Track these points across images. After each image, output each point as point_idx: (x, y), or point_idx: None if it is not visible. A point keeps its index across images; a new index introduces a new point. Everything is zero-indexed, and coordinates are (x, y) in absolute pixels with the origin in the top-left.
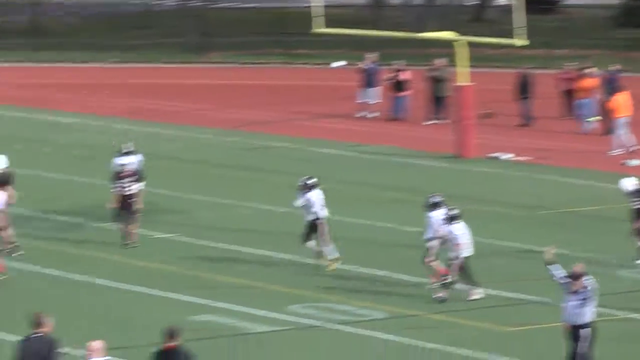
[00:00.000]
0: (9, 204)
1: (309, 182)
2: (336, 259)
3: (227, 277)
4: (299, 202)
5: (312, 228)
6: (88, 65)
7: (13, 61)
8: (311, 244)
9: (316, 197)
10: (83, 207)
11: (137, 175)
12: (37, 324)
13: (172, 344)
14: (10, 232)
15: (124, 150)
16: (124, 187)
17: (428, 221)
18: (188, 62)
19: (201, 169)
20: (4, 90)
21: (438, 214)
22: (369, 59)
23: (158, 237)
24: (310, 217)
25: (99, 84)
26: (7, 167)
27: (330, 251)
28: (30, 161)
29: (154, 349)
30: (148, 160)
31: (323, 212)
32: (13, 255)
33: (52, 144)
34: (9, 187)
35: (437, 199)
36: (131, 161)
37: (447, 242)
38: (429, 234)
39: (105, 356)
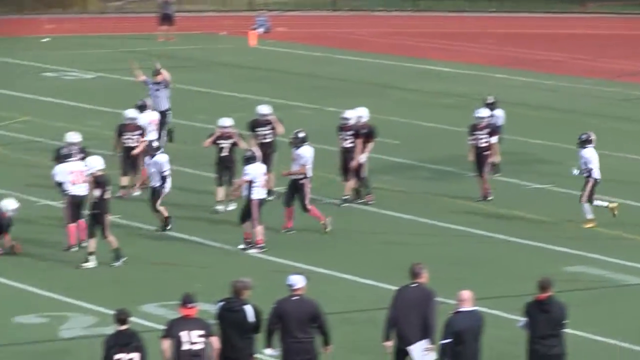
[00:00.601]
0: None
1: (583, 137)
2: (591, 220)
3: (602, 228)
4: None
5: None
6: (465, 15)
7: (391, 10)
8: (587, 206)
9: (590, 154)
10: (454, 156)
11: (491, 129)
12: (415, 274)
13: (544, 294)
14: (351, 183)
15: (488, 101)
16: (479, 139)
17: None
18: (564, 11)
19: (577, 119)
20: (382, 39)
21: None
22: None
23: (534, 188)
24: (585, 175)
25: (476, 33)
26: (368, 120)
27: (587, 210)
28: (406, 110)
29: (527, 300)
30: (524, 110)
31: (596, 172)
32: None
33: (426, 92)
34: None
35: None
36: (486, 114)
37: None
38: None
39: (474, 306)
